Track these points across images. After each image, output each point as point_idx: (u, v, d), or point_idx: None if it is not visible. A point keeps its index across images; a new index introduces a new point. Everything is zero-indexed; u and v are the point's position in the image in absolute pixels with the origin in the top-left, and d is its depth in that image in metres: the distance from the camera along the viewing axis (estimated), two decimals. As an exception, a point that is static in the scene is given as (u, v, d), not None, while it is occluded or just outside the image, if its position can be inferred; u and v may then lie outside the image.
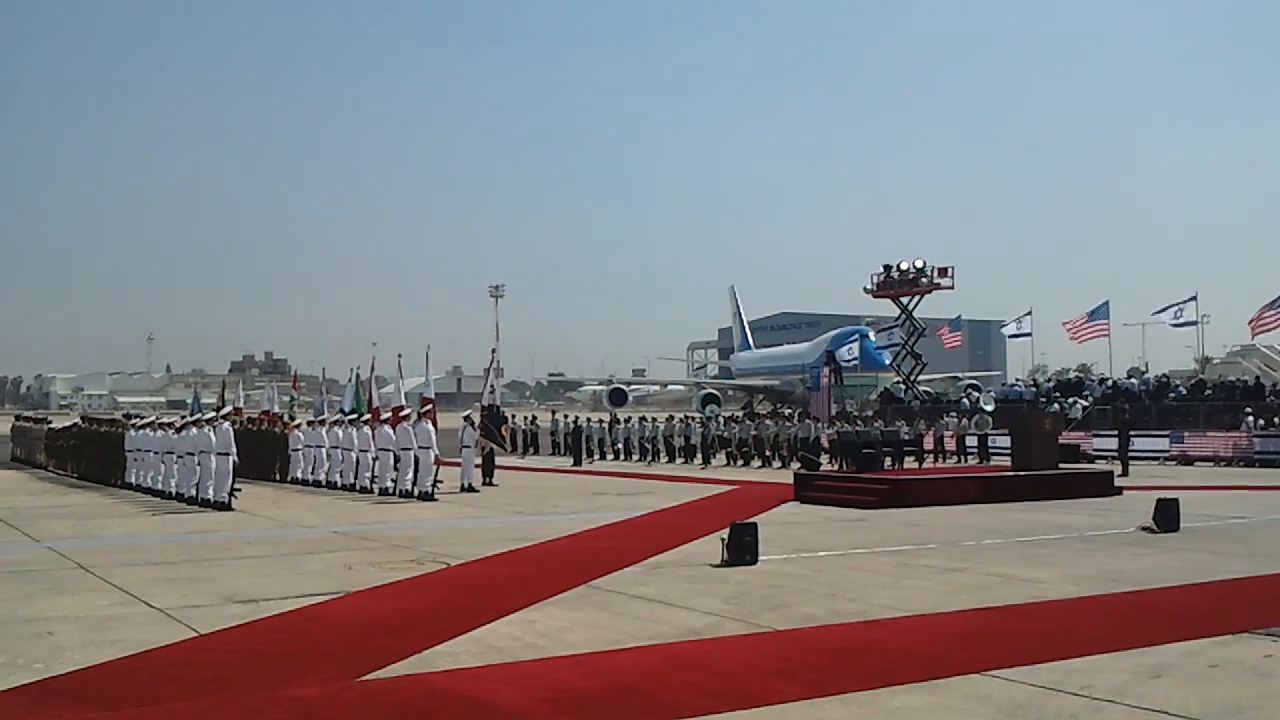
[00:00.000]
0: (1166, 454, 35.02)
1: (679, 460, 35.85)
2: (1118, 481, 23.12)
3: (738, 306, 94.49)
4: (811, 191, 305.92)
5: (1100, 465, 28.55)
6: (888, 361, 58.73)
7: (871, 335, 61.02)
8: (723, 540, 12.68)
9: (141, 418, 26.96)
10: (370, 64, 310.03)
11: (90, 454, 28.44)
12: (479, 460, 25.74)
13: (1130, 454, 30.30)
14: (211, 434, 20.38)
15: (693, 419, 39.96)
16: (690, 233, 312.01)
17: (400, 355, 26.23)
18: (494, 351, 41.99)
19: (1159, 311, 43.63)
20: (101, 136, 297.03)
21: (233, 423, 23.16)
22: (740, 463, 34.09)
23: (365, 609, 10.00)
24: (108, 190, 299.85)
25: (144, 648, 8.26)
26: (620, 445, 38.87)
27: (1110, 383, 43.11)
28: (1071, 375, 52.47)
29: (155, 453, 23.01)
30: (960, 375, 68.43)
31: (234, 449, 20.40)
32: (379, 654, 8.01)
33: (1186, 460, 34.24)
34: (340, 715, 6.58)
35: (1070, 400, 40.02)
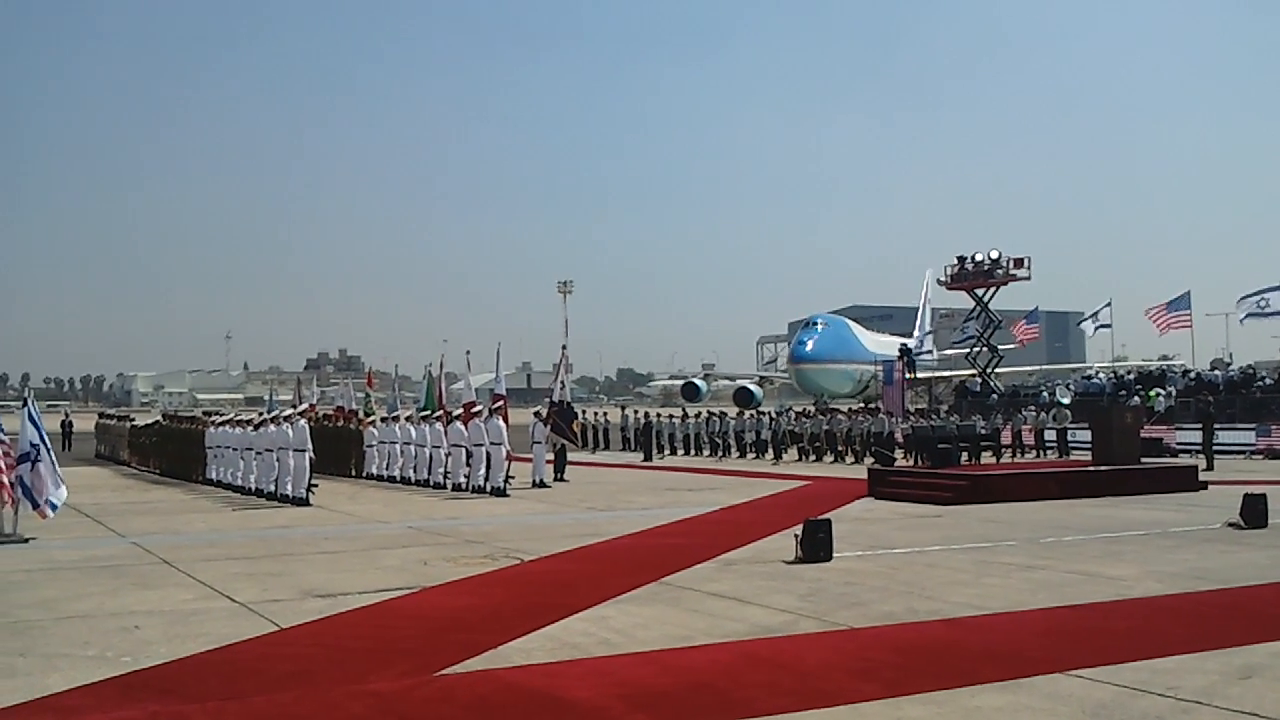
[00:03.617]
0: (1252, 448, 34.08)
1: (750, 455, 35.69)
2: (1202, 476, 22.53)
3: (926, 293, 76.84)
4: (883, 184, 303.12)
5: (1184, 459, 27.89)
6: (808, 349, 58.10)
7: (819, 325, 60.31)
8: (796, 537, 12.58)
9: (220, 415, 27.51)
10: (440, 64, 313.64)
11: (172, 451, 29.04)
12: (550, 456, 25.86)
13: (1214, 448, 29.51)
14: (289, 430, 20.73)
15: (764, 413, 39.74)
16: (759, 227, 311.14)
17: (469, 352, 26.47)
18: (563, 347, 42.05)
19: (1243, 298, 42.24)
20: (180, 141, 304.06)
21: (308, 420, 23.52)
22: (812, 458, 33.84)
23: (441, 604, 10.10)
24: (187, 193, 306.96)
25: (227, 641, 8.43)
26: (690, 439, 38.75)
27: (1193, 374, 42.06)
28: (1153, 367, 51.20)
29: (234, 449, 23.45)
30: (1092, 366, 65.28)
31: (310, 445, 20.73)
32: (455, 649, 8.08)
33: (1274, 454, 33.27)
34: (418, 710, 6.64)
35: (1152, 392, 39.13)
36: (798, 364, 60.42)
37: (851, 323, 67.52)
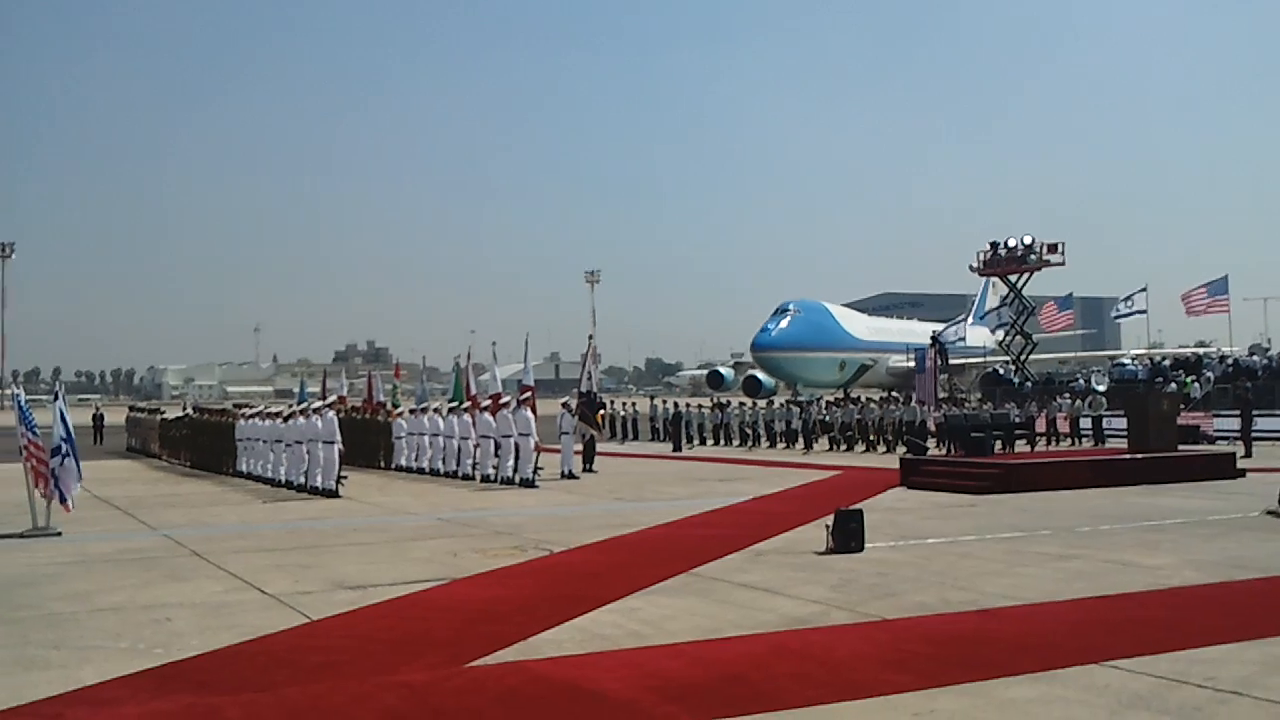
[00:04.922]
0: (1291, 434, 33.57)
1: (780, 445, 35.56)
2: (1240, 463, 22.25)
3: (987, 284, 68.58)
4: (915, 171, 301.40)
5: (1221, 447, 27.55)
6: (771, 336, 56.78)
7: (789, 311, 58.93)
8: (827, 527, 12.50)
9: (250, 407, 27.65)
10: (468, 58, 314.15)
11: (202, 443, 29.20)
12: (579, 447, 25.84)
13: (1253, 434, 29.11)
14: (318, 422, 20.81)
15: (795, 403, 39.58)
16: (789, 215, 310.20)
17: (495, 343, 26.52)
18: (591, 338, 42.10)
19: None
20: (210, 135, 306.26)
21: (337, 411, 23.58)
22: (843, 447, 33.68)
23: (470, 596, 10.09)
24: (217, 187, 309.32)
25: (258, 633, 8.45)
26: (720, 429, 38.64)
27: (1231, 360, 41.54)
28: (1189, 353, 50.55)
29: (264, 441, 23.56)
30: (1127, 353, 61.67)
31: (339, 437, 20.80)
32: (485, 640, 8.07)
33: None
34: (448, 701, 6.63)
35: (1189, 379, 38.67)
36: (760, 351, 58.58)
37: (835, 308, 65.29)
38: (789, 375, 58.75)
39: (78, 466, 15.20)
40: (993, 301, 68.92)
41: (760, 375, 64.61)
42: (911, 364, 58.65)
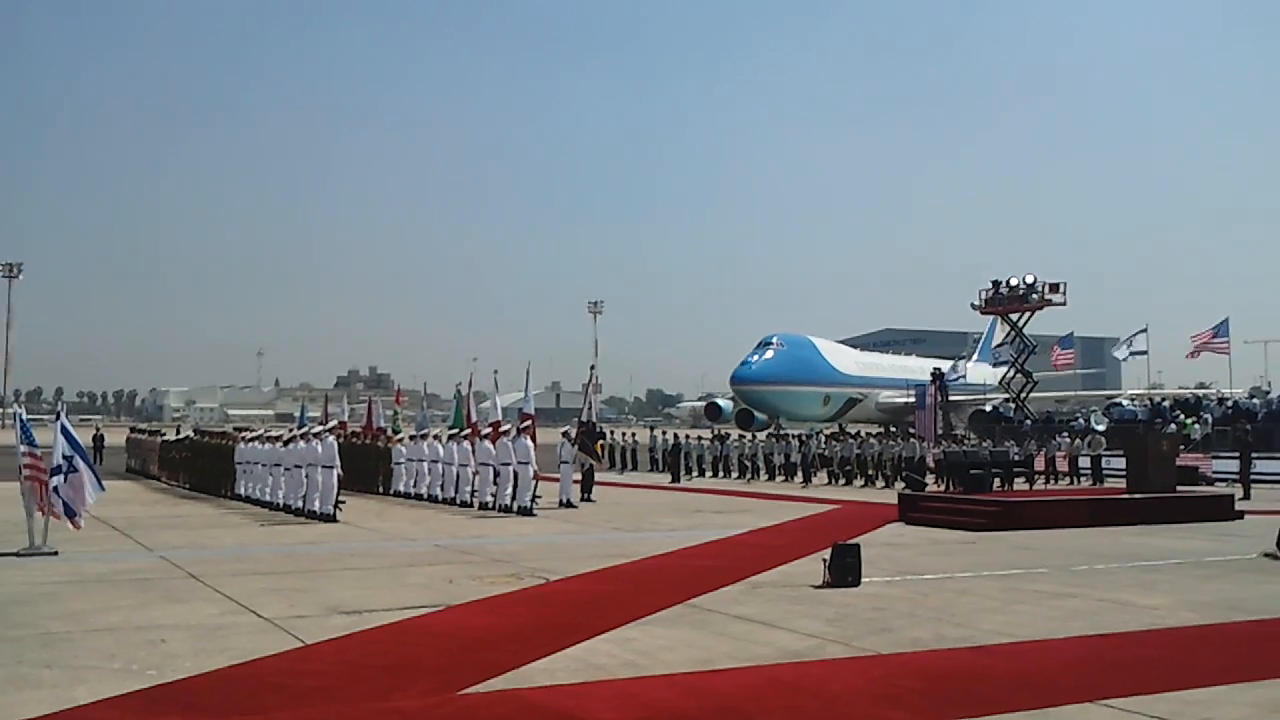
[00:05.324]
0: (1290, 477, 33.52)
1: (779, 478, 35.53)
2: (1238, 505, 22.27)
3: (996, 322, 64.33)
4: (919, 207, 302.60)
5: (1220, 488, 27.52)
6: (752, 369, 56.65)
7: (773, 345, 58.92)
8: (824, 561, 12.48)
9: (250, 430, 27.65)
10: (471, 84, 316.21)
11: (201, 466, 29.17)
12: (578, 476, 25.83)
13: (1252, 477, 29.10)
14: (318, 447, 20.81)
15: (779, 436, 39.54)
16: (791, 249, 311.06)
17: (496, 371, 26.58)
18: (592, 368, 42.23)
19: None
20: (212, 158, 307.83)
21: (337, 436, 23.59)
22: (842, 482, 33.67)
23: (465, 623, 10.07)
24: (220, 209, 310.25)
25: (252, 657, 8.43)
26: (719, 461, 38.62)
27: (1230, 402, 41.57)
28: (1189, 394, 50.57)
29: (263, 465, 23.56)
30: (1124, 393, 60.15)
31: (338, 462, 20.79)
32: (478, 668, 8.05)
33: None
34: (440, 729, 6.61)
35: (1189, 420, 38.67)
36: (740, 385, 58.41)
37: (821, 341, 65.34)
38: (770, 408, 58.59)
39: (98, 479, 15.24)
40: (997, 339, 69.12)
41: (720, 402, 65.19)
42: (901, 399, 58.61)
